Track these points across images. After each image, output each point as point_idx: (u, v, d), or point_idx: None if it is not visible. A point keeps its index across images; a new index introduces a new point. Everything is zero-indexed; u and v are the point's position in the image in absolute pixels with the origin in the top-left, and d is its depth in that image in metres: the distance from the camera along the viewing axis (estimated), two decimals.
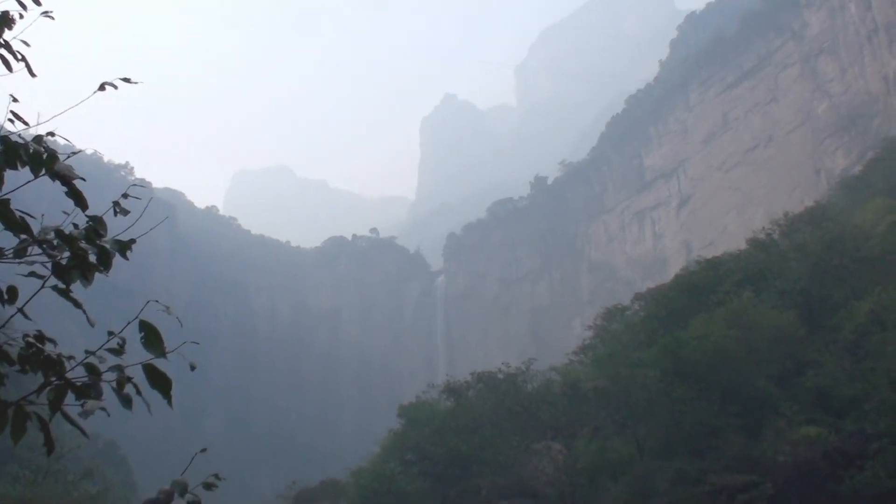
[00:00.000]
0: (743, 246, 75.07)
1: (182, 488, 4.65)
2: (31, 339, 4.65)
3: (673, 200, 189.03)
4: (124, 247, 4.80)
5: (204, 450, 5.23)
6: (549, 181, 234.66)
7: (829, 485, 35.99)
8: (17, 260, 4.64)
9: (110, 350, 4.70)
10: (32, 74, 5.11)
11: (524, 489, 50.03)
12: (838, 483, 35.62)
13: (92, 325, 4.78)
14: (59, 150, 4.81)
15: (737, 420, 42.97)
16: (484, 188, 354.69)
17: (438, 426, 59.64)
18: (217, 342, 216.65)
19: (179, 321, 4.76)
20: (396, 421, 70.82)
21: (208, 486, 4.98)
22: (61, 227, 4.69)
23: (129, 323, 4.60)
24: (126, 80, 5.11)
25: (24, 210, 4.60)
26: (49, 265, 4.62)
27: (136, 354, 4.59)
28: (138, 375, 4.62)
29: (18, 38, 5.00)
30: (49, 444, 4.58)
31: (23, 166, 4.70)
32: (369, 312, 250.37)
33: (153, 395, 4.69)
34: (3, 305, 4.68)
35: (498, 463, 51.88)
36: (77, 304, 4.70)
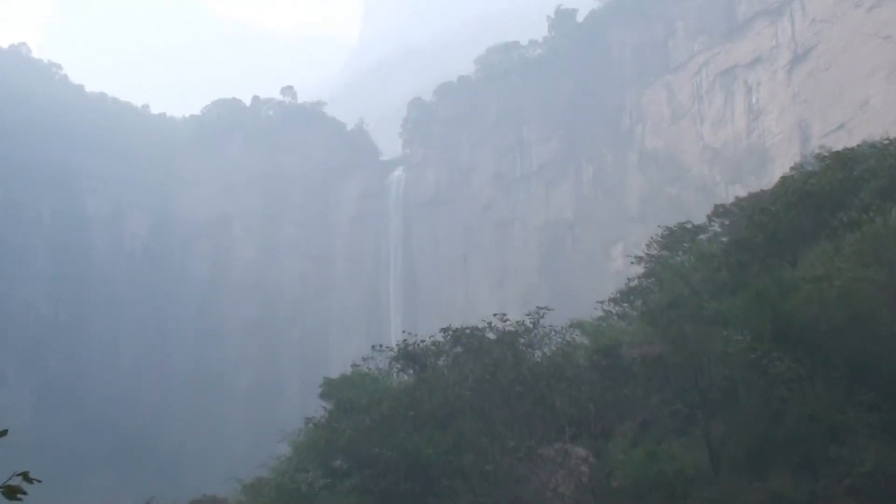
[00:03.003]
0: (893, 132, 74.60)
1: None
2: None
3: (782, 54, 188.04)
4: None
5: (3, 432, 4.79)
6: (580, 17, 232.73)
7: None
8: None
9: None
10: None
11: None
12: None
13: None
14: None
15: (872, 415, 42.78)
16: (471, 26, 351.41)
17: (387, 414, 59.80)
18: (25, 265, 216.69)
19: None
20: (318, 404, 70.91)
21: (12, 494, 4.60)
22: None
23: None
24: None
25: None
26: None
27: None
28: None
29: None
30: None
31: None
32: (278, 226, 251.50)
33: None
34: None
35: (484, 476, 52.08)
36: None
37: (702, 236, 79.71)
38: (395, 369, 70.71)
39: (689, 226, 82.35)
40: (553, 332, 69.08)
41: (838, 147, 79.18)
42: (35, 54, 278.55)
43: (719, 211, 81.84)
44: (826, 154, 73.88)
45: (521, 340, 66.43)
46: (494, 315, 68.72)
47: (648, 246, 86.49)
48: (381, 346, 76.56)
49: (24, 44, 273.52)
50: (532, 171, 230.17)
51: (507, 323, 67.51)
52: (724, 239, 72.80)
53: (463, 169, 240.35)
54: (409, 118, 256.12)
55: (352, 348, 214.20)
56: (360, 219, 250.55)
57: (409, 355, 68.94)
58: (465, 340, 67.33)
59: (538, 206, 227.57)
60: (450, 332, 68.69)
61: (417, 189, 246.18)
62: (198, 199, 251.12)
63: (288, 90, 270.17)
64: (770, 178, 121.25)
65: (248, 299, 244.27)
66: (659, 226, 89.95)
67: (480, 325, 68.18)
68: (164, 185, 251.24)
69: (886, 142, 70.23)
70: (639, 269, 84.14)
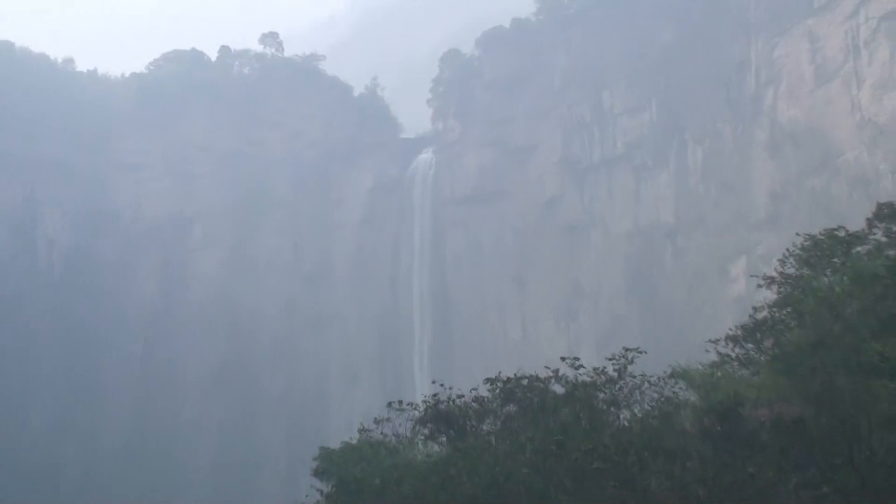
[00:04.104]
0: None
1: None
2: None
3: None
4: None
5: None
6: None
7: None
8: None
9: None
10: None
11: None
12: None
13: None
14: None
15: None
16: None
17: (410, 498, 59.81)
18: None
19: None
20: (311, 483, 70.91)
21: None
22: None
23: None
24: None
25: None
26: None
27: None
28: None
29: None
30: None
31: None
32: (256, 230, 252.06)
33: None
34: None
35: None
36: None
37: (859, 248, 79.08)
38: (420, 435, 70.49)
39: (841, 233, 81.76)
40: (646, 385, 68.42)
41: None
42: None
43: (884, 212, 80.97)
44: None
45: (601, 396, 66.02)
46: (563, 359, 68.16)
47: (783, 262, 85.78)
48: (400, 402, 76.22)
49: None
50: (616, 155, 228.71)
51: (581, 370, 67.03)
52: (892, 252, 72.14)
53: (517, 151, 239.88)
54: (441, 79, 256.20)
55: (359, 404, 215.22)
56: (371, 221, 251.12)
57: (441, 416, 68.82)
58: (520, 395, 67.14)
59: (625, 204, 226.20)
60: (498, 384, 68.42)
61: (453, 179, 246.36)
62: (142, 192, 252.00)
63: (271, 38, 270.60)
64: None
65: (212, 335, 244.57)
66: (798, 233, 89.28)
67: (542, 374, 67.83)
68: (93, 171, 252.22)
69: None
70: (769, 295, 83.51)
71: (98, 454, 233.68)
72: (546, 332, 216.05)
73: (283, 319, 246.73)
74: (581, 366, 67.20)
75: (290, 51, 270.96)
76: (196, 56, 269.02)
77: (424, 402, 70.90)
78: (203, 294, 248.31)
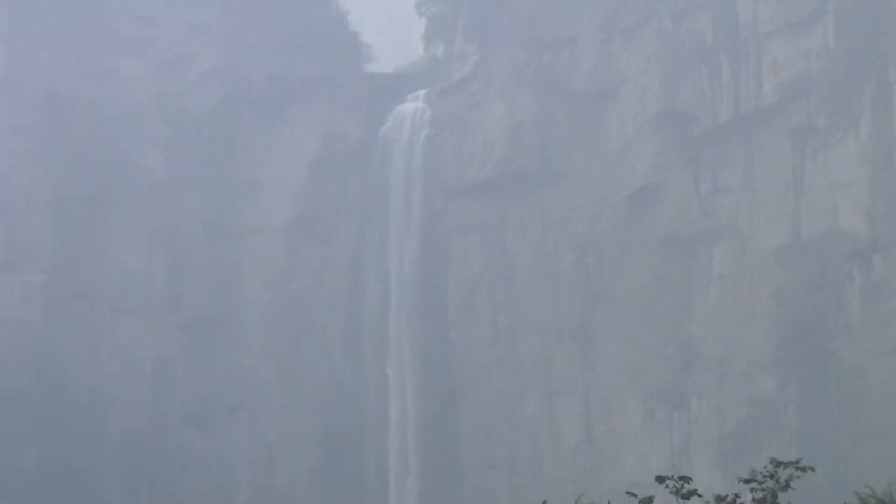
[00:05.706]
0: None
1: None
2: None
3: None
4: None
5: None
6: None
7: None
8: None
9: None
10: None
11: None
12: None
13: None
14: None
15: None
16: None
17: None
18: None
19: None
20: None
21: None
22: None
23: None
24: None
25: None
26: None
27: None
28: None
29: None
30: None
31: None
32: (102, 235, 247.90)
33: None
34: None
35: None
36: None
37: None
38: None
39: None
40: None
41: None
42: None
43: None
44: None
45: None
46: (660, 479, 61.79)
47: None
48: None
49: None
50: (763, 107, 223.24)
51: (694, 500, 60.81)
52: None
53: (581, 99, 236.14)
54: None
55: None
56: (313, 222, 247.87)
57: None
58: None
59: (777, 198, 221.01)
60: None
61: (463, 148, 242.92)
62: None
63: None
64: None
65: (19, 430, 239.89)
66: None
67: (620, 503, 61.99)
68: None
69: None
70: None
71: None
72: (630, 429, 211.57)
73: (149, 403, 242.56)
74: (695, 492, 61.03)
75: None
76: None
77: None
78: (3, 351, 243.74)
